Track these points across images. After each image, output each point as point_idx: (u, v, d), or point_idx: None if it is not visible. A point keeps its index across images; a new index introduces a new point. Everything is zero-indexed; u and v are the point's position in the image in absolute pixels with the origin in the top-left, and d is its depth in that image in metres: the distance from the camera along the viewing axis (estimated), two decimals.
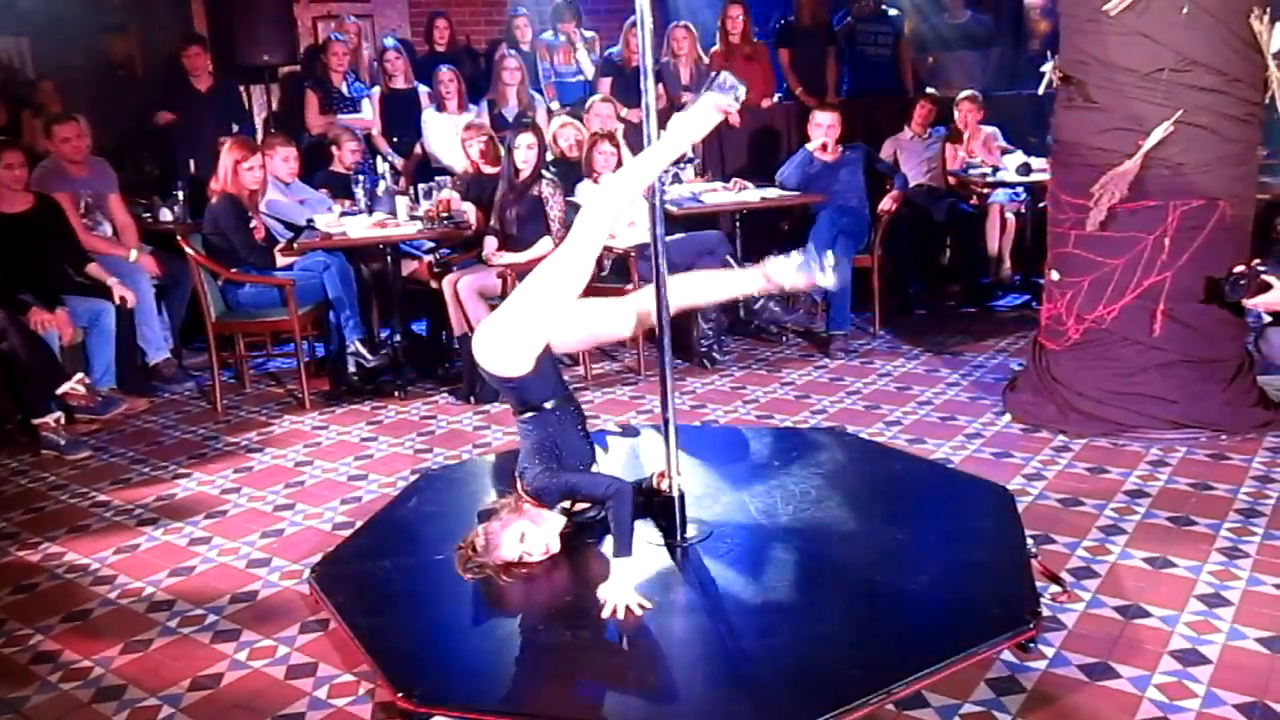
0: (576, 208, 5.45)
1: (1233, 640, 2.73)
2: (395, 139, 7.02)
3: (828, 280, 3.19)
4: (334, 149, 6.35)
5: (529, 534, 2.96)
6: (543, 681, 2.59)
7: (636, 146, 6.09)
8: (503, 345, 2.96)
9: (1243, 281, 3.90)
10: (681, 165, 6.54)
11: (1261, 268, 3.90)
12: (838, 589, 2.90)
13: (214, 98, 6.72)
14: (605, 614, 2.70)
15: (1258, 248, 4.25)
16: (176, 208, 6.13)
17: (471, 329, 5.03)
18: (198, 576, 3.47)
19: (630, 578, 2.77)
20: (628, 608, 2.72)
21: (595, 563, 2.95)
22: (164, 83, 6.93)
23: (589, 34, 7.61)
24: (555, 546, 3.03)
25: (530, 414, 3.03)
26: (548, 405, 3.01)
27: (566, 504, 3.07)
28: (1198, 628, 2.79)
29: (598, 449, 3.26)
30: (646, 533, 3.19)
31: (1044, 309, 4.53)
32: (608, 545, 3.11)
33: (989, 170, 6.66)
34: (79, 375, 4.89)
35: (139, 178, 6.67)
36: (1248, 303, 3.98)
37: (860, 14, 7.91)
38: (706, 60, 7.37)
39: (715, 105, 2.94)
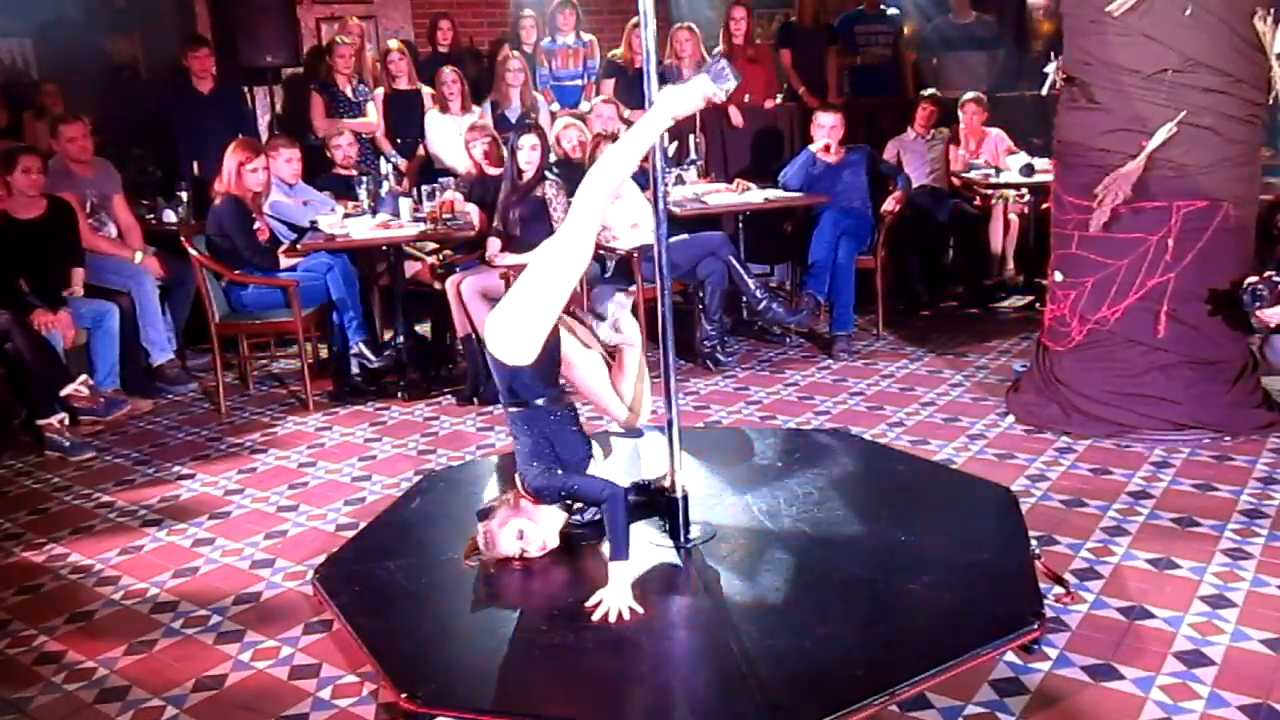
0: None
1: (1237, 642, 2.72)
2: (398, 140, 7.02)
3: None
4: (326, 150, 6.37)
5: (527, 530, 2.99)
6: (546, 682, 2.59)
7: None
8: (509, 331, 2.93)
9: (1262, 291, 3.83)
10: (684, 166, 6.55)
11: (1278, 278, 3.86)
12: (841, 590, 2.90)
13: (217, 99, 6.72)
14: (596, 617, 2.72)
15: (1260, 248, 4.24)
16: (180, 209, 6.14)
17: (475, 330, 5.04)
18: (201, 577, 3.48)
19: (626, 581, 2.78)
20: (620, 611, 2.72)
21: (598, 564, 2.94)
22: (167, 84, 6.93)
23: (589, 37, 7.61)
24: (553, 542, 3.04)
25: (519, 408, 3.01)
26: (539, 402, 3.00)
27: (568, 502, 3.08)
28: (1202, 629, 2.79)
29: (600, 450, 3.26)
30: (650, 534, 3.19)
31: (1047, 310, 4.53)
32: (610, 549, 3.12)
33: (992, 171, 6.67)
34: (82, 377, 4.89)
35: (142, 179, 6.68)
36: (1265, 314, 3.90)
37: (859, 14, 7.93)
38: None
39: (703, 92, 2.89)
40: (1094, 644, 2.74)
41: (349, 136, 6.36)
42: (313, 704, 2.69)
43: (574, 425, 3.06)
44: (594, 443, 3.16)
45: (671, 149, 6.62)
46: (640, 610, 2.74)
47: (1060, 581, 3.01)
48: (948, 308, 6.70)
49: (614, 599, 2.74)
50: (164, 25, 7.69)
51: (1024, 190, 6.69)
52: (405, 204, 5.61)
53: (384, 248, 5.41)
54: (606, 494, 2.87)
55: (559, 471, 2.97)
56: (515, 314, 2.93)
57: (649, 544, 3.14)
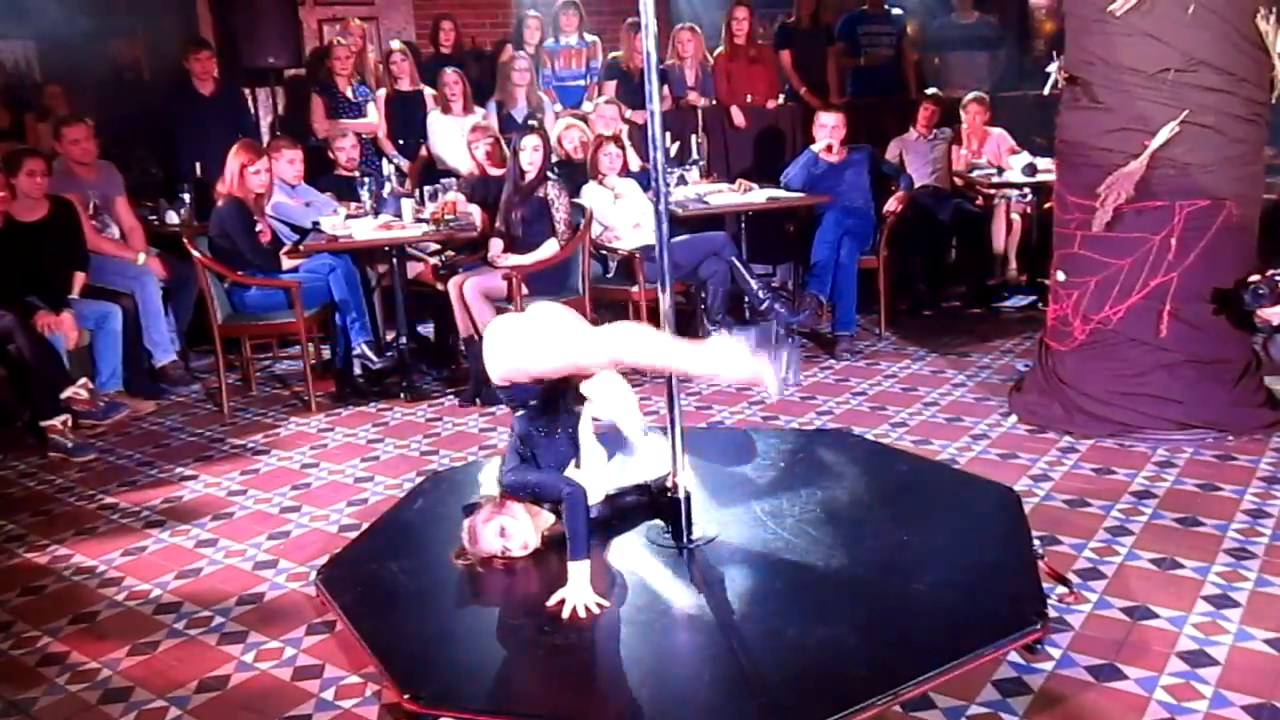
0: (581, 209, 5.48)
1: (1240, 641, 2.72)
2: (401, 141, 7.02)
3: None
4: (328, 152, 6.37)
5: (509, 528, 3.01)
6: (548, 683, 2.59)
7: (641, 147, 6.11)
8: (497, 363, 2.97)
9: (1262, 290, 3.85)
10: (687, 166, 6.55)
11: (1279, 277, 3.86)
12: (844, 590, 2.90)
13: (219, 101, 6.73)
14: (565, 614, 2.73)
15: (1264, 248, 4.24)
16: (182, 210, 6.15)
17: (477, 331, 5.04)
18: (204, 578, 3.48)
19: (585, 578, 2.79)
20: (586, 608, 2.74)
21: (598, 566, 2.94)
22: (170, 86, 6.94)
23: (591, 37, 7.62)
24: (535, 543, 3.05)
25: (519, 411, 3.05)
26: (534, 403, 3.02)
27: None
28: (1205, 629, 2.78)
29: (602, 452, 3.26)
30: (652, 534, 3.19)
31: (1050, 310, 4.53)
32: (612, 550, 3.13)
33: (994, 171, 6.66)
34: (82, 380, 4.90)
35: (144, 180, 6.68)
36: (1265, 313, 3.92)
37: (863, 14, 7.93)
38: (711, 61, 7.38)
39: (760, 372, 2.80)
40: (1097, 644, 2.74)
41: (351, 138, 6.37)
42: (316, 705, 2.70)
43: (557, 432, 3.05)
44: (597, 447, 3.16)
45: (674, 149, 6.62)
46: (606, 603, 2.76)
47: (1063, 581, 3.01)
48: (950, 307, 6.70)
49: (575, 596, 2.76)
50: (166, 27, 7.69)
51: (1026, 190, 6.68)
52: (407, 205, 5.61)
53: (386, 249, 5.42)
54: (566, 493, 2.88)
55: (526, 469, 2.99)
56: (505, 355, 2.95)
57: (651, 545, 3.15)
